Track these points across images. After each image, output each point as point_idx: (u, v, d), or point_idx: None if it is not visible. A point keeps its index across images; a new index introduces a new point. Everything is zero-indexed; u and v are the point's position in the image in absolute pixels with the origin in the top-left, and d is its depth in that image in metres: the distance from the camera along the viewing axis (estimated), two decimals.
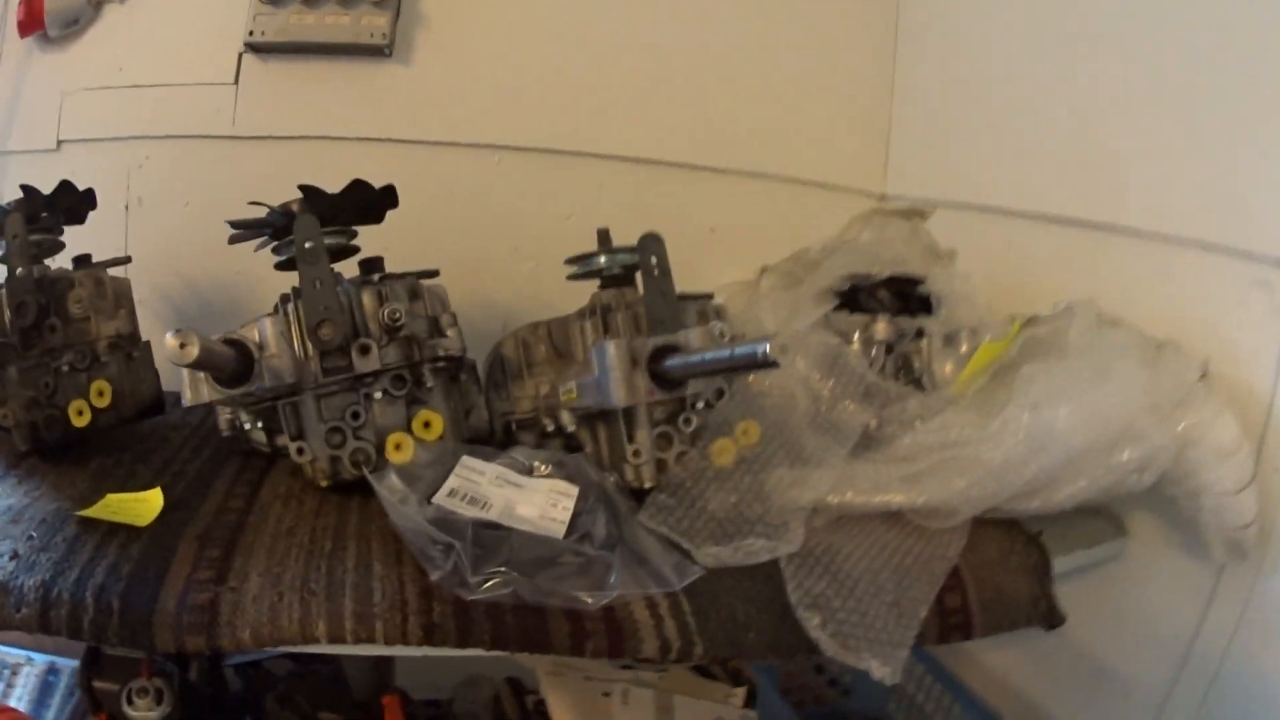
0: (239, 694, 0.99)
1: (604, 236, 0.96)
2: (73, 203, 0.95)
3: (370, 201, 0.87)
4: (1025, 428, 0.82)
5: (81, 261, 0.99)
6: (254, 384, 0.68)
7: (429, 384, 0.83)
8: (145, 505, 0.78)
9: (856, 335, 1.03)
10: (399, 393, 0.82)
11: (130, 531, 0.73)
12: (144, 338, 1.01)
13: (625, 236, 0.92)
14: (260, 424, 0.84)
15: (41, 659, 1.19)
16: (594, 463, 0.85)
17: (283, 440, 0.84)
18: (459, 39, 1.25)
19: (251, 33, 1.15)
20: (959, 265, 1.11)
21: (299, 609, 0.65)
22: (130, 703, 0.75)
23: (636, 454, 0.83)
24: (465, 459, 0.80)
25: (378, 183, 0.86)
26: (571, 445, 0.89)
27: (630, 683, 1.10)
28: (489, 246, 1.29)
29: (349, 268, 0.91)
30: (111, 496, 0.78)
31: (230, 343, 0.68)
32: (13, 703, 1.12)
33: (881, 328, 1.03)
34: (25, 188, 0.92)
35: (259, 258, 0.90)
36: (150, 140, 1.18)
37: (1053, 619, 0.80)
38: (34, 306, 0.87)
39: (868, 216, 1.13)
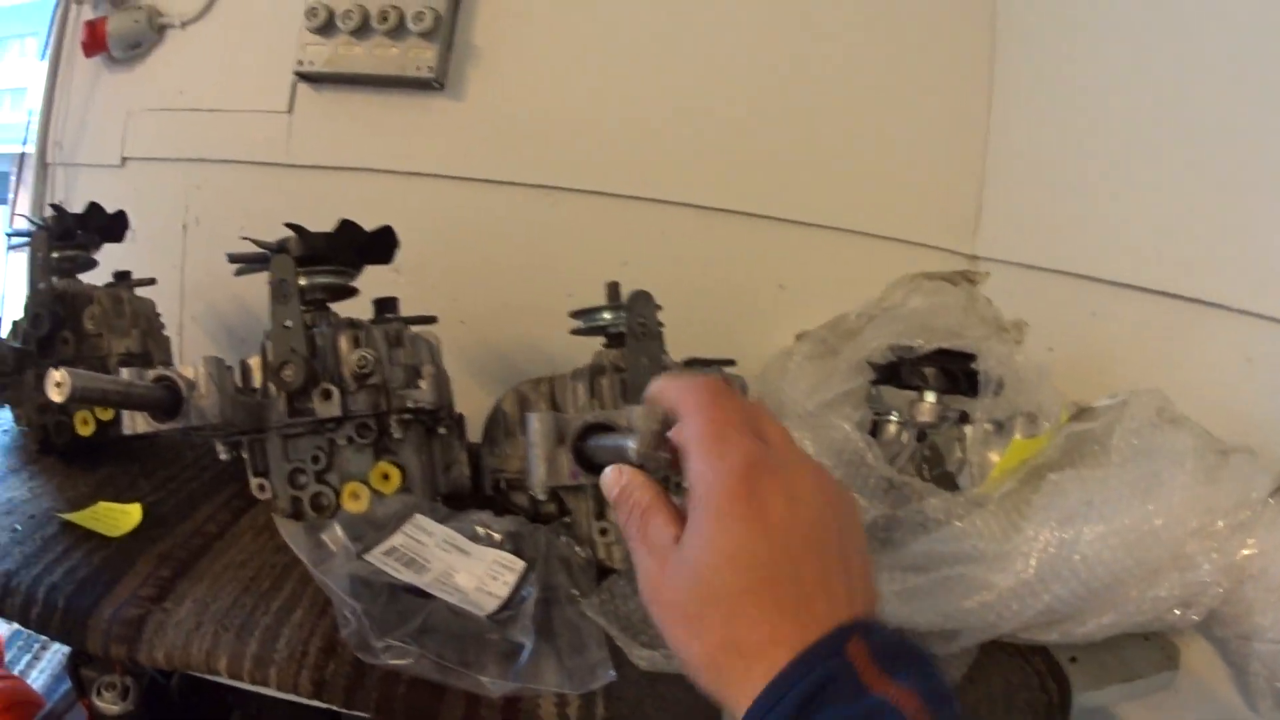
0: (209, 703, 1.00)
1: (613, 290, 0.91)
2: (104, 222, 0.99)
3: (363, 242, 0.85)
4: (1040, 550, 0.71)
5: (122, 277, 1.04)
6: (180, 421, 0.68)
7: (397, 435, 0.81)
8: (124, 518, 0.81)
9: (894, 416, 0.95)
10: (365, 440, 0.80)
11: (102, 540, 0.77)
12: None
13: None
14: (229, 455, 0.83)
15: None
16: (573, 534, 0.81)
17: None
18: (515, 73, 1.22)
19: (301, 62, 1.17)
20: (1032, 340, 1.00)
21: (209, 641, 0.66)
22: (99, 694, 0.78)
23: (604, 532, 0.79)
24: (417, 518, 0.77)
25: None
26: (564, 511, 0.84)
27: None
28: (539, 290, 1.22)
29: (362, 306, 0.91)
30: (101, 505, 0.82)
31: (161, 379, 0.68)
32: (33, 677, 1.18)
33: (928, 408, 0.93)
34: (55, 206, 0.97)
35: None
36: (208, 163, 1.22)
37: None
38: (48, 318, 0.92)
39: (913, 280, 1.03)
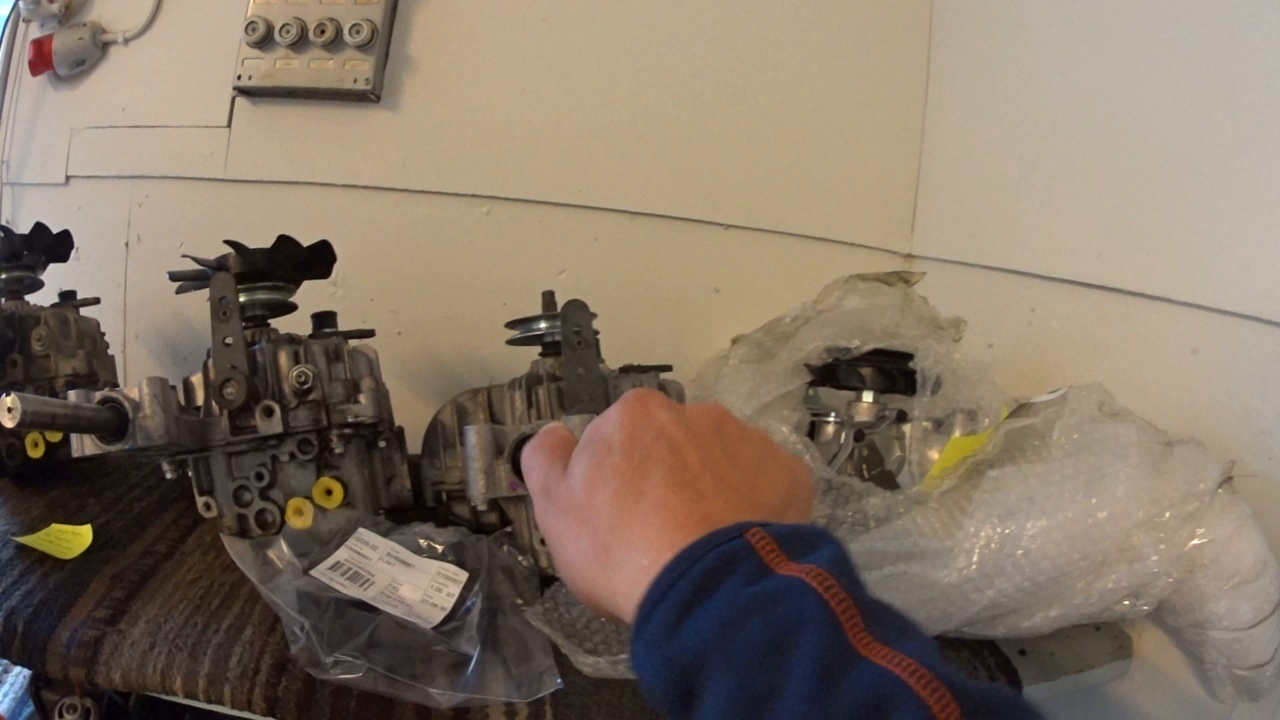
0: None
1: (548, 300, 0.93)
2: (50, 242, 0.99)
3: (301, 257, 0.86)
4: (982, 546, 0.72)
5: (67, 297, 1.04)
6: (127, 443, 0.69)
7: (338, 449, 0.82)
8: (76, 540, 0.81)
9: (832, 417, 0.97)
10: (307, 456, 0.81)
11: (55, 562, 0.78)
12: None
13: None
14: (174, 474, 0.84)
15: None
16: (515, 543, 0.82)
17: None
18: (449, 84, 1.22)
19: (240, 76, 1.17)
20: (971, 337, 1.02)
21: (164, 661, 0.67)
22: (60, 716, 0.79)
23: (543, 541, 0.80)
24: (361, 532, 0.79)
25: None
26: (506, 521, 0.85)
27: None
28: (477, 300, 1.23)
29: (301, 321, 0.92)
30: (54, 527, 0.82)
31: (107, 401, 0.69)
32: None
33: (865, 408, 0.96)
34: (2, 227, 0.96)
35: None
36: (150, 180, 1.21)
37: None
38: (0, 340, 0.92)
39: (848, 282, 1.05)
